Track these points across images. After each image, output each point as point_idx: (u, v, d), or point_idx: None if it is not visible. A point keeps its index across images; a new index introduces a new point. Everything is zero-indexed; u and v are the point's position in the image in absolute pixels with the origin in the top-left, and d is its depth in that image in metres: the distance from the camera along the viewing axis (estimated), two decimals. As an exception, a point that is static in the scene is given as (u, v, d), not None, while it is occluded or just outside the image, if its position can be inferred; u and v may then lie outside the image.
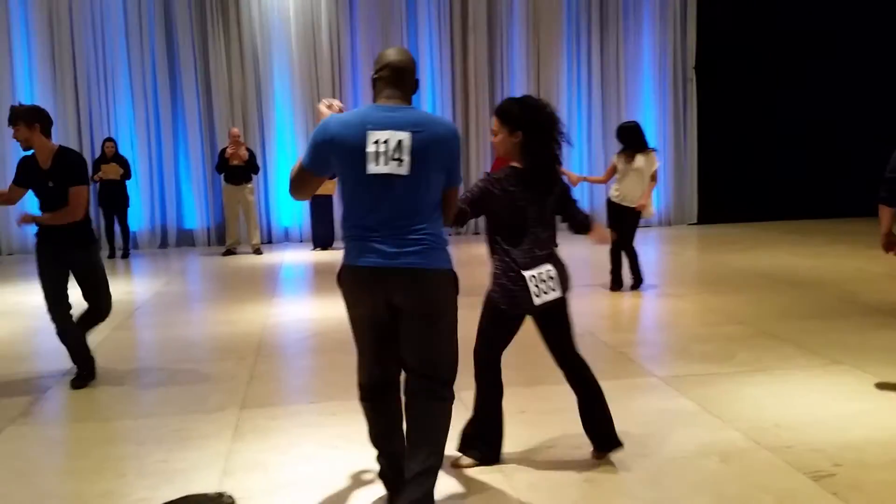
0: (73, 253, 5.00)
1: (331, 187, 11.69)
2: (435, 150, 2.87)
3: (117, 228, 11.47)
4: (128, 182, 11.40)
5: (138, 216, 12.31)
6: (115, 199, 11.28)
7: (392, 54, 3.03)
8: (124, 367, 5.58)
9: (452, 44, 13.19)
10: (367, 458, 3.68)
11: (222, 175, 11.40)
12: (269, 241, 12.75)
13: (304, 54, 12.72)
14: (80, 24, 12.10)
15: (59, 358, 5.78)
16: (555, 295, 3.47)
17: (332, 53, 12.80)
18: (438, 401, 2.98)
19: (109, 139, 11.40)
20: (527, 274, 3.39)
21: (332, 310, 7.26)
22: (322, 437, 4.02)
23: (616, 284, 7.69)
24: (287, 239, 12.94)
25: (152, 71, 12.34)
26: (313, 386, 5.14)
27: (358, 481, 3.47)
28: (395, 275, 2.84)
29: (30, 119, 4.86)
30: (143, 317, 7.41)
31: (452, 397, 3.03)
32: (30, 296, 8.50)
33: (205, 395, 4.81)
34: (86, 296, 5.19)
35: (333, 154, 2.85)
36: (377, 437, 3.12)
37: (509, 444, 3.78)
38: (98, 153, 11.54)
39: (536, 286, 3.40)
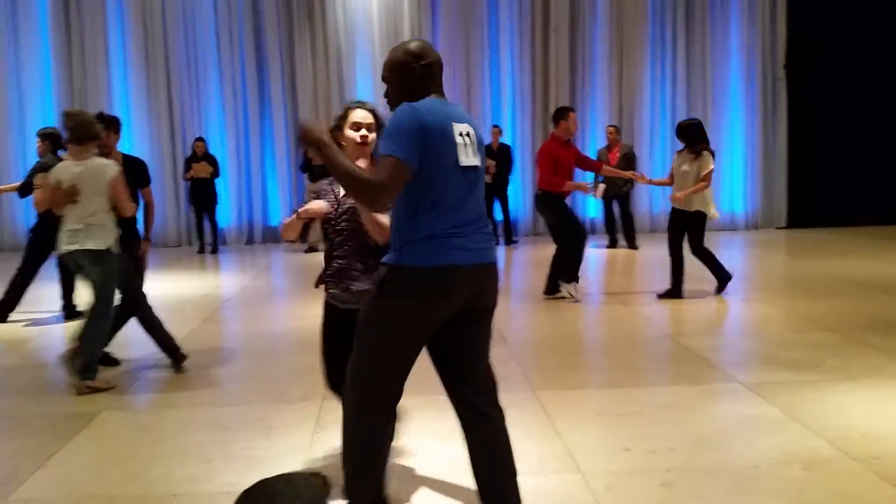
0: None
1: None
2: (481, 145, 2.84)
3: (206, 225, 11.90)
4: (216, 180, 11.81)
5: (226, 213, 12.74)
6: (204, 197, 11.70)
7: (432, 50, 2.86)
8: (212, 357, 5.80)
9: (533, 43, 13.16)
10: (451, 452, 3.74)
11: (306, 174, 11.69)
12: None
13: (385, 54, 12.87)
14: (172, 26, 12.62)
15: (151, 347, 6.06)
16: None
17: (413, 54, 12.93)
18: (501, 411, 2.86)
19: (200, 139, 11.84)
20: None
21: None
22: (403, 429, 4.09)
23: (672, 293, 7.44)
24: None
25: (241, 72, 12.76)
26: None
27: (440, 475, 3.53)
28: (486, 271, 2.73)
29: (117, 127, 5.24)
30: (230, 310, 7.67)
31: None
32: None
33: (288, 386, 4.96)
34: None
35: (428, 144, 2.59)
36: (378, 463, 2.84)
37: (586, 447, 3.77)
38: (189, 152, 12.00)
39: None
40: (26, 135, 12.20)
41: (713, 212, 7.46)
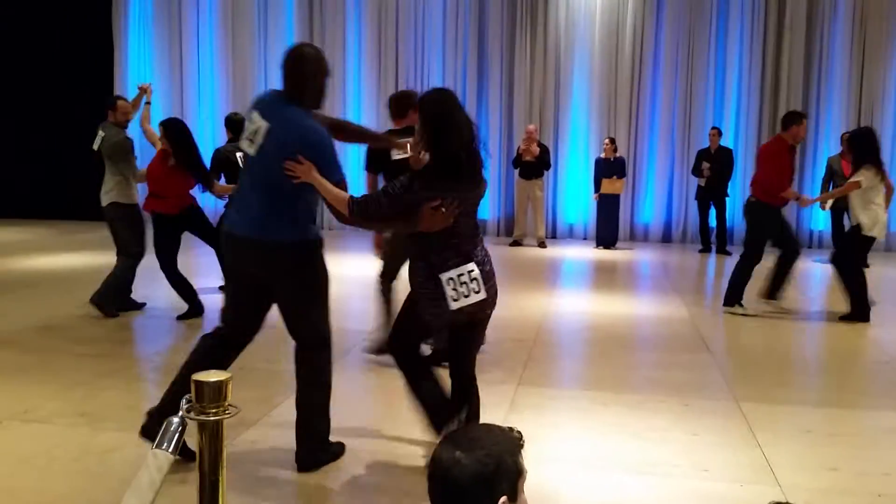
0: None
1: (618, 186, 11.71)
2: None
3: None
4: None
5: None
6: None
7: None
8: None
9: (765, 43, 12.46)
10: (637, 449, 3.74)
11: (517, 170, 11.92)
12: (553, 236, 13.06)
13: (605, 54, 12.83)
14: (404, 24, 13.35)
15: (365, 317, 6.52)
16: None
17: (633, 53, 12.76)
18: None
19: (419, 131, 12.47)
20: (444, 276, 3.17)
21: (609, 306, 7.35)
22: (594, 423, 4.14)
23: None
24: (571, 235, 13.16)
25: (463, 69, 13.24)
26: (586, 375, 5.27)
27: (627, 471, 3.54)
28: (251, 244, 3.43)
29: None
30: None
31: None
32: (346, 265, 9.64)
33: (487, 369, 5.14)
34: None
35: None
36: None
37: (787, 462, 3.61)
38: (409, 143, 12.68)
39: (454, 289, 3.16)
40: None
41: (874, 231, 6.73)
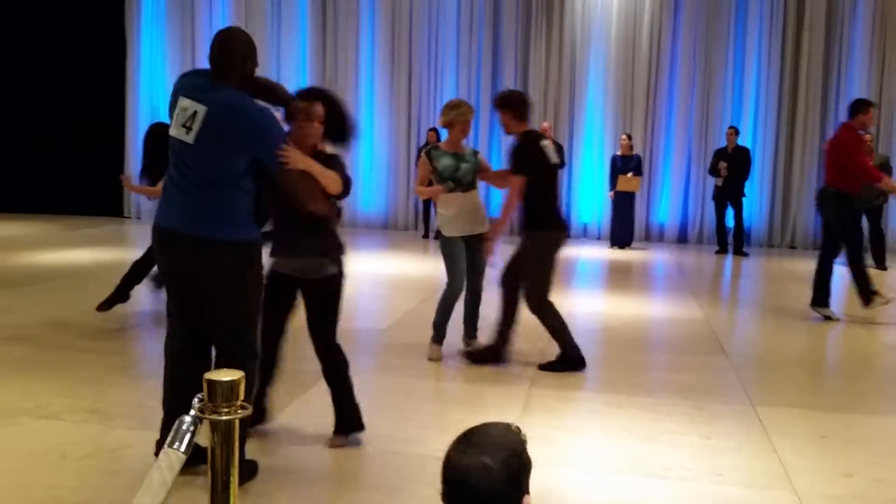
0: None
1: (635, 184, 11.63)
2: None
3: (433, 211, 12.49)
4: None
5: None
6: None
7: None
8: (427, 335, 6.10)
9: (784, 42, 12.35)
10: (650, 452, 3.70)
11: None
12: (567, 236, 12.97)
13: (621, 52, 12.75)
14: (417, 26, 13.32)
15: (378, 316, 6.51)
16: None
17: (650, 50, 12.68)
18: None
19: (433, 129, 12.43)
20: None
21: (624, 307, 7.29)
22: (607, 426, 4.10)
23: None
24: (585, 235, 13.10)
25: (478, 64, 13.19)
26: (601, 376, 5.22)
27: (640, 474, 3.50)
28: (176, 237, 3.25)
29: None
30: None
31: None
32: (356, 262, 9.63)
33: (500, 369, 5.12)
34: None
35: None
36: None
37: (803, 467, 3.55)
38: (423, 141, 12.65)
39: None
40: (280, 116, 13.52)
41: None
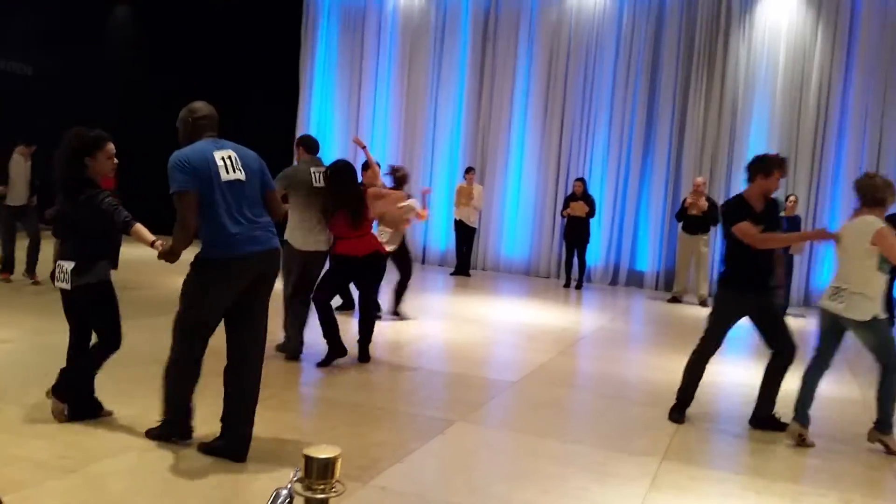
0: None
1: (798, 247, 10.87)
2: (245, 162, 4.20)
3: (575, 261, 12.32)
4: (591, 220, 12.16)
5: (595, 252, 13.03)
6: (577, 235, 12.13)
7: (206, 107, 4.18)
8: (561, 390, 5.97)
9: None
10: None
11: (680, 223, 11.47)
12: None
13: (786, 105, 12.14)
14: (574, 69, 13.30)
15: (511, 367, 6.45)
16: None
17: (818, 109, 12.00)
18: None
19: (580, 179, 12.30)
20: None
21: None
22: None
23: None
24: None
25: (631, 119, 12.96)
26: (740, 456, 4.89)
27: None
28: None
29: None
30: (584, 347, 7.83)
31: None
32: (493, 308, 9.63)
33: (631, 436, 4.91)
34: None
35: (194, 171, 3.99)
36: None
37: None
38: (570, 191, 12.55)
39: None
40: (434, 159, 13.89)
41: None
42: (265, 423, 4.56)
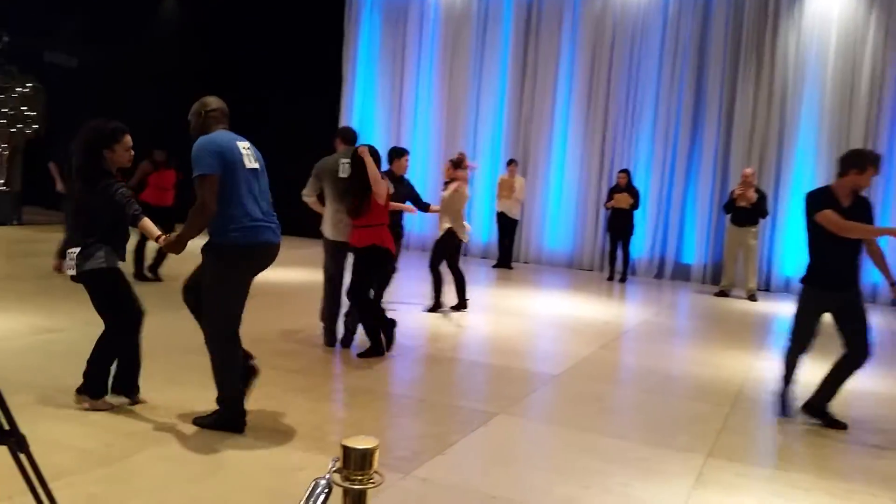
0: None
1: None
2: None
3: (619, 254, 12.16)
4: (635, 212, 12.00)
5: (640, 244, 12.86)
6: (621, 227, 11.98)
7: (217, 101, 4.30)
8: (603, 384, 5.91)
9: None
10: None
11: (728, 215, 11.25)
12: (767, 289, 12.14)
13: (837, 94, 11.80)
14: (617, 63, 13.11)
15: (553, 360, 6.40)
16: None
17: (870, 98, 11.64)
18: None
19: (624, 170, 12.12)
20: None
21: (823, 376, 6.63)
22: None
23: None
24: (787, 289, 12.14)
25: (677, 107, 12.74)
26: (787, 452, 4.78)
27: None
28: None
29: None
30: (628, 341, 7.73)
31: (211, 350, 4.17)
32: (535, 300, 9.57)
33: (675, 431, 4.83)
34: None
35: (224, 157, 4.17)
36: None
37: None
38: (613, 182, 12.39)
39: None
40: (476, 150, 13.80)
41: None
42: (306, 413, 4.60)
